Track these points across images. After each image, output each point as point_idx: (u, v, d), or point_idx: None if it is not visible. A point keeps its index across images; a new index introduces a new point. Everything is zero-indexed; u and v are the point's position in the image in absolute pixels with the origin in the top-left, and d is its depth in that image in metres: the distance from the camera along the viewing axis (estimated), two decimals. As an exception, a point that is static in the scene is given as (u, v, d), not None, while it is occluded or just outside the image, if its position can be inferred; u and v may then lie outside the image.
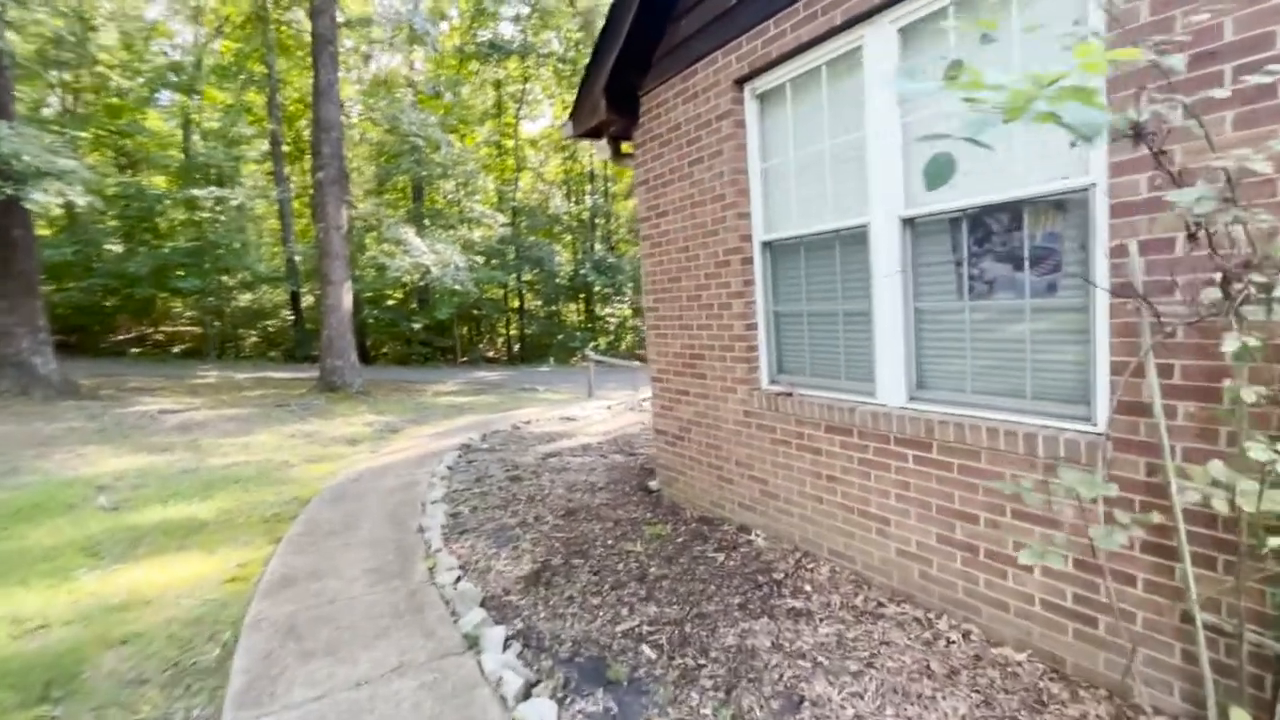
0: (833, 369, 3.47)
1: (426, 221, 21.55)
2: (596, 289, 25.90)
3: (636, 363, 14.80)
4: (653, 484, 5.07)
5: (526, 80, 27.66)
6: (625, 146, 4.94)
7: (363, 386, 12.53)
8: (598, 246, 27.25)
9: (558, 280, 25.66)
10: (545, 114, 31.58)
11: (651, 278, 4.65)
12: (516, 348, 27.40)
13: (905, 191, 2.88)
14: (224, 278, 23.45)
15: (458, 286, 16.70)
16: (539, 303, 28.94)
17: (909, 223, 2.91)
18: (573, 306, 28.91)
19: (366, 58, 28.47)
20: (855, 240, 3.19)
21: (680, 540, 3.93)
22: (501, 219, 23.33)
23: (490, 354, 27.47)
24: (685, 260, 4.24)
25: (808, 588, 3.19)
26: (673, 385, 4.56)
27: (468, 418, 9.59)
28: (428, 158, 19.82)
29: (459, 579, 3.46)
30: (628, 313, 26.84)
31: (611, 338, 25.29)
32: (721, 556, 3.62)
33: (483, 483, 5.55)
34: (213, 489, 5.57)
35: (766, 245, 3.74)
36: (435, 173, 21.09)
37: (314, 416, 9.80)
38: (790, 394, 3.56)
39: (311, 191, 17.74)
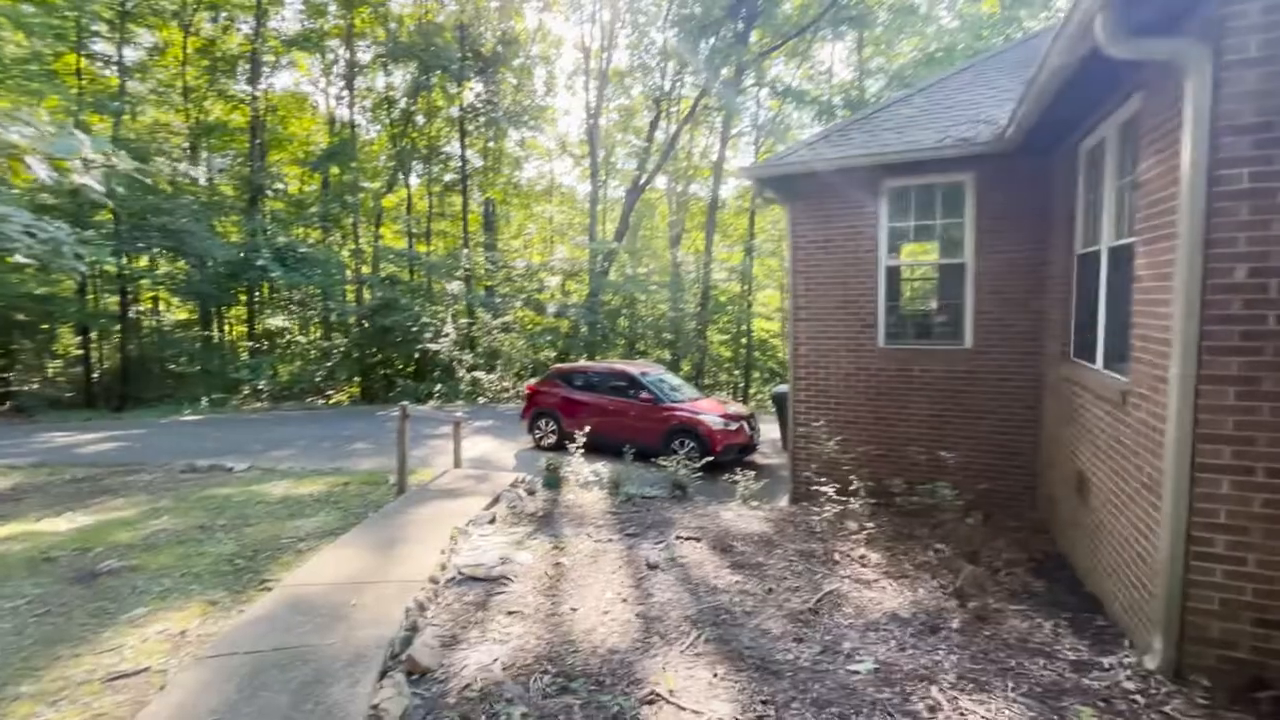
0: None
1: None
2: (278, 291, 16.87)
3: (460, 413, 8.74)
4: None
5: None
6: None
7: None
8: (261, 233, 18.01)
9: (209, 269, 15.79)
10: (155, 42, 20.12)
11: None
12: (96, 377, 16.08)
13: None
14: None
15: (19, 255, 7.35)
16: (147, 306, 17.92)
17: None
18: (190, 313, 18.35)
19: None
20: None
21: None
22: (90, 149, 12.90)
23: (41, 390, 15.42)
24: None
25: None
26: None
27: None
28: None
29: None
30: (305, 327, 18.30)
31: (310, 365, 16.69)
32: None
33: None
34: None
35: None
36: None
37: None
38: None
39: None
